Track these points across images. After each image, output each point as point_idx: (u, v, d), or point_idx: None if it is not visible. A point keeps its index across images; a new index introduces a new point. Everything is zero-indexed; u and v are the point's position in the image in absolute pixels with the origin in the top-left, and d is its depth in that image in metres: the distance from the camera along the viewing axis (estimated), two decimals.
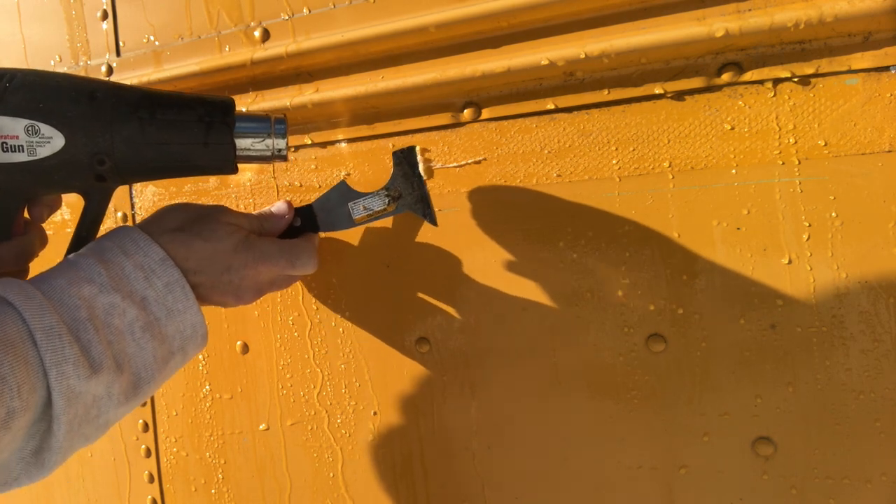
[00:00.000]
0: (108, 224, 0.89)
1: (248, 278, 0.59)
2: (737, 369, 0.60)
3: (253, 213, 0.65)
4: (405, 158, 0.63)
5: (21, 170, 0.54)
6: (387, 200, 0.64)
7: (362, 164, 0.73)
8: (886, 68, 0.53)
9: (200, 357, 0.85)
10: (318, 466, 0.79)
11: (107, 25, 0.86)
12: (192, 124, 0.57)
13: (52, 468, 0.49)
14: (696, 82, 0.59)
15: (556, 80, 0.63)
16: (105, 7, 0.86)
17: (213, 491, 0.86)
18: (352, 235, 0.74)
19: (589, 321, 0.64)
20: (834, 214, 0.56)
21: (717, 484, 0.61)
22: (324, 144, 0.75)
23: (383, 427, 0.75)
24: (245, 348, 0.82)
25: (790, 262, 0.57)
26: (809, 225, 0.57)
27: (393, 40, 0.67)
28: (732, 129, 0.58)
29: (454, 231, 0.69)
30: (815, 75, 0.55)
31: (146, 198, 0.87)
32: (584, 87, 0.62)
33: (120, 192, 0.88)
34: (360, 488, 0.77)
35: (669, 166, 0.61)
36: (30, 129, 0.53)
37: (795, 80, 0.56)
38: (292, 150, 0.76)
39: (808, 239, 0.57)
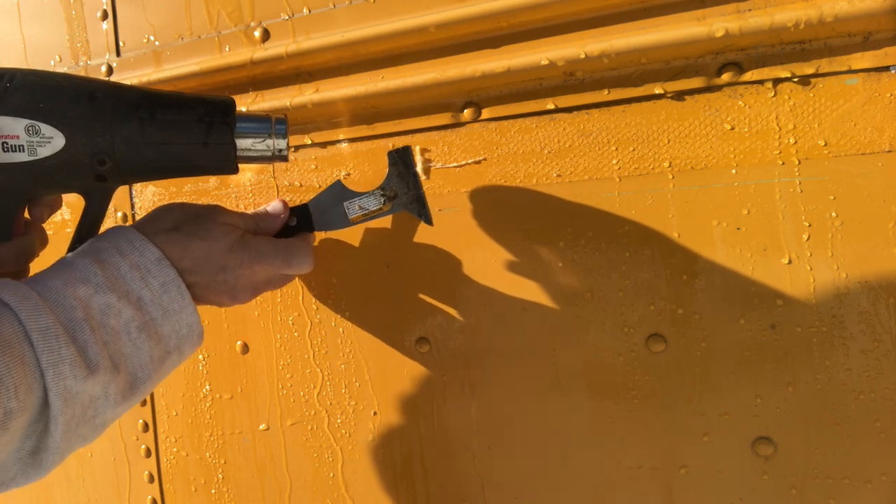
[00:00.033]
0: (108, 224, 0.88)
1: (244, 278, 0.59)
2: (737, 369, 0.60)
3: (248, 212, 0.65)
4: (400, 158, 0.63)
5: (21, 170, 0.54)
6: (382, 200, 0.64)
7: (362, 164, 0.73)
8: (886, 68, 0.53)
9: (200, 357, 0.85)
10: (318, 466, 0.79)
11: (107, 25, 0.86)
12: (192, 124, 0.57)
13: (50, 468, 0.49)
14: (696, 82, 0.59)
15: (556, 80, 0.63)
16: (105, 7, 0.86)
17: (213, 491, 0.86)
18: (352, 235, 0.74)
19: (589, 321, 0.64)
20: (834, 214, 0.56)
21: (717, 484, 0.61)
22: (324, 144, 0.75)
23: (383, 427, 0.75)
24: (245, 348, 0.82)
25: (790, 262, 0.57)
26: (809, 225, 0.57)
27: (393, 40, 0.67)
28: (732, 129, 0.58)
29: (454, 231, 0.69)
30: (815, 75, 0.55)
31: (146, 198, 0.87)
32: (584, 87, 0.62)
33: (120, 192, 0.88)
34: (360, 488, 0.77)
35: (669, 166, 0.61)
36: (30, 128, 0.53)
37: (795, 80, 0.56)
38: (292, 150, 0.76)
39: (808, 239, 0.57)
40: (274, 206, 0.66)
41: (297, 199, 0.77)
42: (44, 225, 0.62)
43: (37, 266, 0.60)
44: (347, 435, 0.77)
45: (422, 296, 0.71)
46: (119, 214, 0.89)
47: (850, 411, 0.57)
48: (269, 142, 0.60)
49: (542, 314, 0.66)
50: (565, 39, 0.62)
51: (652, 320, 0.62)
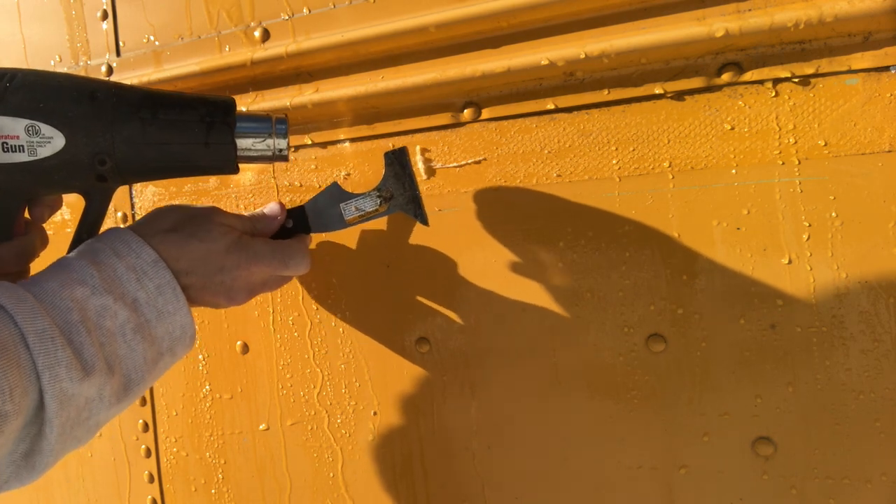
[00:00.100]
0: (108, 224, 0.89)
1: (241, 279, 0.59)
2: (737, 369, 0.60)
3: (245, 214, 0.65)
4: (396, 159, 0.63)
5: (21, 170, 0.54)
6: (378, 201, 0.64)
7: (362, 163, 0.73)
8: (886, 68, 0.53)
9: (200, 357, 0.85)
10: (318, 466, 0.79)
11: (107, 25, 0.86)
12: (193, 124, 0.57)
13: (43, 471, 0.48)
14: (696, 82, 0.59)
15: (556, 80, 0.63)
16: (105, 7, 0.86)
17: (213, 491, 0.86)
18: (351, 236, 0.74)
19: (589, 321, 0.64)
20: (834, 214, 0.56)
21: (717, 484, 0.61)
22: (324, 144, 0.75)
23: (383, 427, 0.75)
24: (245, 348, 0.82)
25: (790, 262, 0.58)
26: (809, 225, 0.57)
27: (393, 40, 0.67)
28: (732, 129, 0.58)
29: (454, 231, 0.69)
30: (815, 75, 0.55)
31: (146, 198, 0.87)
32: (584, 87, 0.62)
33: (120, 192, 0.88)
34: (360, 488, 0.77)
35: (669, 166, 0.61)
36: (30, 129, 0.53)
37: (795, 80, 0.56)
38: (292, 150, 0.76)
39: (808, 239, 0.57)
40: (271, 207, 0.66)
41: (297, 199, 0.77)
42: (44, 225, 0.62)
43: (37, 266, 0.60)
44: (347, 435, 0.77)
45: (421, 296, 0.71)
46: (119, 214, 0.89)
47: (850, 411, 0.57)
48: (270, 142, 0.60)
49: (542, 314, 0.66)
50: (565, 39, 0.62)
51: (652, 320, 0.62)
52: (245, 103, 0.76)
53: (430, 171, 0.69)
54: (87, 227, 0.59)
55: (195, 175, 0.62)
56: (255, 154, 0.60)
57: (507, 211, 0.67)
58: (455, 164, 0.69)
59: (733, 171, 0.58)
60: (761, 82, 0.57)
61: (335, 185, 0.65)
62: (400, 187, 0.64)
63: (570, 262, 0.65)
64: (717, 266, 0.60)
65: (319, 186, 0.75)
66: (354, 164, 0.73)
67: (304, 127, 0.75)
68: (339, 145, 0.74)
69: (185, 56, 0.80)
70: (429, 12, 0.65)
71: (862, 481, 0.57)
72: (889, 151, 0.54)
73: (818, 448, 0.58)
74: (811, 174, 0.56)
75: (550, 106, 0.64)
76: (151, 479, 0.90)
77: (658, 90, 0.60)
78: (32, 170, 0.54)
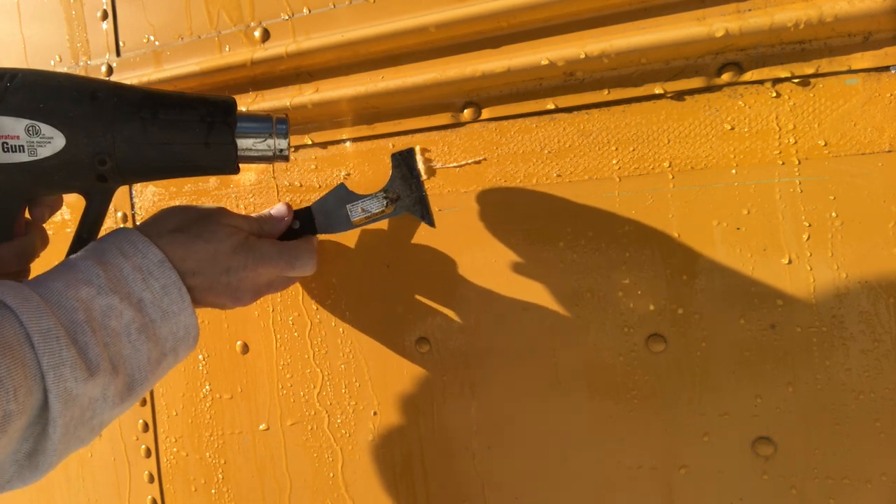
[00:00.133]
0: (108, 224, 0.89)
1: (247, 280, 0.59)
2: (737, 369, 0.60)
3: (252, 215, 0.65)
4: (404, 161, 0.63)
5: (22, 170, 0.54)
6: (385, 202, 0.64)
7: (363, 164, 0.73)
8: (886, 68, 0.53)
9: (200, 357, 0.85)
10: (318, 466, 0.79)
11: (107, 25, 0.86)
12: (193, 124, 0.57)
13: (46, 471, 0.48)
14: (696, 82, 0.59)
15: (556, 80, 0.63)
16: (105, 7, 0.86)
17: (213, 491, 0.86)
18: (352, 236, 0.74)
19: (589, 321, 0.64)
20: (834, 214, 0.56)
21: (717, 484, 0.61)
22: (324, 144, 0.75)
23: (383, 427, 0.75)
24: (245, 348, 0.82)
25: (790, 262, 0.58)
26: (809, 225, 0.57)
27: (393, 40, 0.67)
28: (732, 129, 0.58)
29: (454, 231, 0.69)
30: (815, 75, 0.55)
31: (146, 198, 0.87)
32: (584, 87, 0.62)
33: (120, 193, 0.88)
34: (360, 488, 0.77)
35: (669, 166, 0.61)
36: (30, 129, 0.53)
37: (795, 80, 0.56)
38: (293, 150, 0.76)
39: (808, 239, 0.57)
40: (277, 209, 0.66)
41: (297, 199, 0.77)
42: (44, 225, 0.62)
43: (38, 266, 0.60)
44: (347, 435, 0.77)
45: (422, 296, 0.71)
46: (119, 214, 0.89)
47: (850, 411, 0.57)
48: (270, 142, 0.60)
49: (542, 314, 0.66)
50: (565, 39, 0.62)
51: (652, 320, 0.62)
52: (245, 103, 0.76)
53: (430, 171, 0.69)
54: (88, 227, 0.59)
55: (196, 175, 0.62)
56: (255, 154, 0.60)
57: (507, 211, 0.67)
58: (455, 164, 0.69)
59: (733, 171, 0.58)
60: (761, 82, 0.57)
61: (342, 186, 0.65)
62: (407, 189, 0.64)
63: (570, 262, 0.65)
64: (717, 266, 0.60)
65: (319, 186, 0.75)
66: (354, 164, 0.73)
67: (304, 127, 0.75)
68: (339, 145, 0.74)
69: (185, 56, 0.80)
70: (429, 12, 0.65)
71: (862, 481, 0.57)
72: (889, 151, 0.54)
73: (818, 448, 0.58)
74: (811, 174, 0.56)
75: (550, 106, 0.64)
76: (151, 479, 0.90)
77: (658, 90, 0.60)
78: (33, 170, 0.54)
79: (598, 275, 0.64)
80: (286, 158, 0.61)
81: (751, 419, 0.60)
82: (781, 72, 0.56)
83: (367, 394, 0.75)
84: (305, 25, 0.73)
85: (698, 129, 0.59)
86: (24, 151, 0.53)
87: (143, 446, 0.90)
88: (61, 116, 0.53)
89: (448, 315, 0.70)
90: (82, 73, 0.88)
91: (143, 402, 0.90)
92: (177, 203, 0.84)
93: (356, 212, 0.64)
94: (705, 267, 0.60)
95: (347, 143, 0.73)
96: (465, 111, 0.67)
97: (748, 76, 0.57)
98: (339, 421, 0.77)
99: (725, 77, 0.58)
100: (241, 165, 0.61)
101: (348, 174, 0.74)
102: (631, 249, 0.62)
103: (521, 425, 0.68)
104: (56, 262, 0.54)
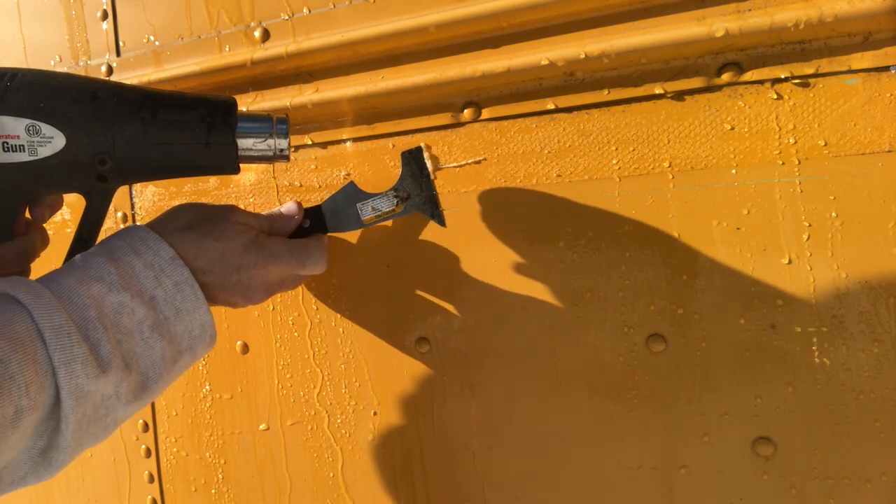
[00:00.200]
0: (108, 224, 0.89)
1: (258, 278, 0.59)
2: (737, 369, 0.60)
3: (262, 213, 0.65)
4: (413, 159, 0.63)
5: (22, 170, 0.54)
6: (395, 201, 0.64)
7: (363, 164, 0.73)
8: (886, 68, 0.53)
9: None
10: (318, 466, 0.79)
11: (107, 25, 0.86)
12: (194, 124, 0.57)
13: (60, 467, 0.49)
14: (696, 82, 0.59)
15: (556, 80, 0.63)
16: (105, 7, 0.86)
17: (213, 491, 0.86)
18: (352, 235, 0.74)
19: (589, 321, 0.64)
20: (834, 214, 0.56)
21: (717, 484, 0.61)
22: (324, 144, 0.75)
23: (383, 427, 0.75)
24: (245, 348, 0.82)
25: (790, 262, 0.58)
26: (809, 225, 0.57)
27: (393, 40, 0.67)
28: (732, 129, 0.58)
29: (454, 231, 0.69)
30: (815, 75, 0.55)
31: (146, 198, 0.87)
32: (584, 87, 0.62)
33: (120, 192, 0.88)
34: (360, 488, 0.77)
35: (669, 166, 0.61)
36: (31, 128, 0.53)
37: (795, 80, 0.56)
38: (293, 150, 0.76)
39: (808, 239, 0.57)
40: (288, 207, 0.66)
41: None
42: (44, 225, 0.62)
43: (38, 266, 0.60)
44: (347, 435, 0.77)
45: (422, 296, 0.71)
46: (119, 214, 0.89)
47: (850, 411, 0.57)
48: (271, 141, 0.60)
49: (542, 314, 0.66)
50: (565, 39, 0.62)
51: (652, 320, 0.62)
52: (245, 103, 0.76)
53: (437, 168, 0.69)
54: (88, 227, 0.59)
55: (196, 175, 0.62)
56: (256, 154, 0.60)
57: (507, 211, 0.67)
58: (455, 164, 0.69)
59: (733, 171, 0.59)
60: (761, 82, 0.57)
61: (352, 184, 0.65)
62: (417, 187, 0.64)
63: (570, 262, 0.65)
64: (717, 266, 0.60)
65: (320, 186, 0.75)
66: (355, 164, 0.73)
67: (304, 127, 0.75)
68: (339, 145, 0.74)
69: (185, 56, 0.80)
70: (429, 12, 0.65)
71: (862, 481, 0.57)
72: (889, 151, 0.54)
73: (818, 448, 0.58)
74: (811, 174, 0.56)
75: (550, 106, 0.64)
76: (151, 479, 0.90)
77: (658, 90, 0.60)
78: (33, 169, 0.54)
79: (598, 275, 0.64)
80: (287, 158, 0.61)
81: (751, 419, 0.60)
82: (781, 72, 0.56)
83: (367, 394, 0.75)
84: (305, 25, 0.73)
85: (698, 129, 0.59)
86: (24, 151, 0.53)
87: (143, 446, 0.90)
88: (61, 116, 0.53)
89: (448, 315, 0.70)
90: (82, 73, 0.88)
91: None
92: (177, 203, 0.84)
93: (366, 210, 0.64)
94: (705, 267, 0.60)
95: (347, 143, 0.73)
96: (465, 111, 0.67)
97: (748, 76, 0.57)
98: (339, 421, 0.77)
99: (725, 77, 0.58)
100: (241, 165, 0.61)
101: (348, 174, 0.74)
102: (631, 249, 0.62)
103: (521, 425, 0.68)
104: (56, 263, 0.54)
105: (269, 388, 0.81)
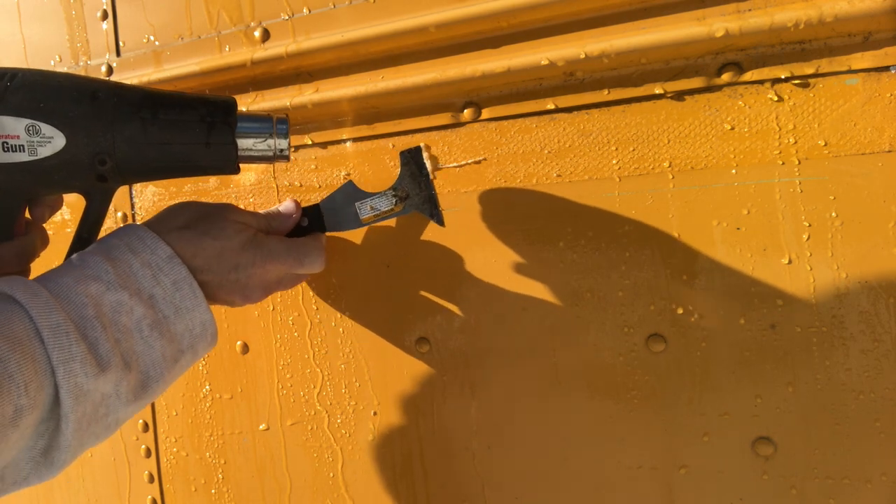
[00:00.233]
0: (107, 224, 0.89)
1: (256, 277, 0.59)
2: (737, 369, 0.60)
3: (260, 211, 0.65)
4: (412, 158, 0.63)
5: (22, 170, 0.54)
6: (394, 201, 0.64)
7: (363, 163, 0.73)
8: (886, 68, 0.53)
9: None
10: (318, 466, 0.79)
11: (107, 25, 0.86)
12: (194, 124, 0.57)
13: (62, 467, 0.49)
14: (696, 82, 0.59)
15: (556, 80, 0.63)
16: (105, 7, 0.86)
17: (213, 491, 0.86)
18: (352, 235, 0.74)
19: (589, 321, 0.64)
20: (834, 214, 0.56)
21: (717, 484, 0.61)
22: (324, 144, 0.75)
23: (383, 427, 0.75)
24: (245, 348, 0.82)
25: (790, 262, 0.58)
26: (809, 225, 0.57)
27: (393, 40, 0.67)
28: (732, 129, 0.58)
29: (454, 231, 0.69)
30: (815, 75, 0.55)
31: (146, 198, 0.87)
32: (584, 87, 0.62)
33: (120, 192, 0.88)
34: (360, 488, 0.77)
35: (669, 166, 0.61)
36: (31, 128, 0.53)
37: (795, 80, 0.56)
38: (293, 149, 0.76)
39: (808, 239, 0.57)
40: (286, 205, 0.66)
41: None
42: (44, 225, 0.62)
43: (37, 266, 0.60)
44: (347, 435, 0.77)
45: (422, 296, 0.71)
46: (119, 214, 0.89)
47: (850, 411, 0.57)
48: (271, 142, 0.60)
49: (542, 314, 0.66)
50: (565, 39, 0.62)
51: (652, 320, 0.62)
52: (245, 103, 0.76)
53: (436, 168, 0.69)
54: (88, 227, 0.59)
55: (196, 175, 0.62)
56: (256, 154, 0.60)
57: (507, 211, 0.67)
58: (455, 165, 0.69)
59: (733, 171, 0.59)
60: (761, 82, 0.57)
61: (350, 183, 0.65)
62: (416, 187, 0.64)
63: (570, 262, 0.65)
64: (717, 266, 0.60)
65: (319, 186, 0.75)
66: (355, 163, 0.73)
67: (304, 127, 0.75)
68: (339, 145, 0.74)
69: (185, 56, 0.80)
70: (429, 12, 0.65)
71: (862, 481, 0.57)
72: (889, 151, 0.54)
73: (818, 448, 0.58)
74: (811, 174, 0.56)
75: (550, 106, 0.64)
76: (151, 479, 0.90)
77: (658, 90, 0.60)
78: (33, 170, 0.54)
79: (598, 275, 0.64)
80: (287, 158, 0.61)
81: (751, 419, 0.60)
82: (781, 72, 0.56)
83: (367, 394, 0.75)
84: (305, 25, 0.73)
85: (698, 129, 0.59)
86: (24, 151, 0.53)
87: (143, 446, 0.90)
88: (61, 116, 0.53)
89: (448, 315, 0.70)
90: (82, 73, 0.88)
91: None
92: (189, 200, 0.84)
93: (365, 210, 0.64)
94: (705, 267, 0.60)
95: (347, 143, 0.73)
96: (465, 111, 0.67)
97: (748, 76, 0.57)
98: (339, 421, 0.77)
99: (725, 77, 0.58)
100: (241, 165, 0.61)
101: (348, 174, 0.74)
102: (631, 249, 0.62)
103: (521, 425, 0.68)
104: (56, 263, 0.54)
105: (269, 388, 0.81)
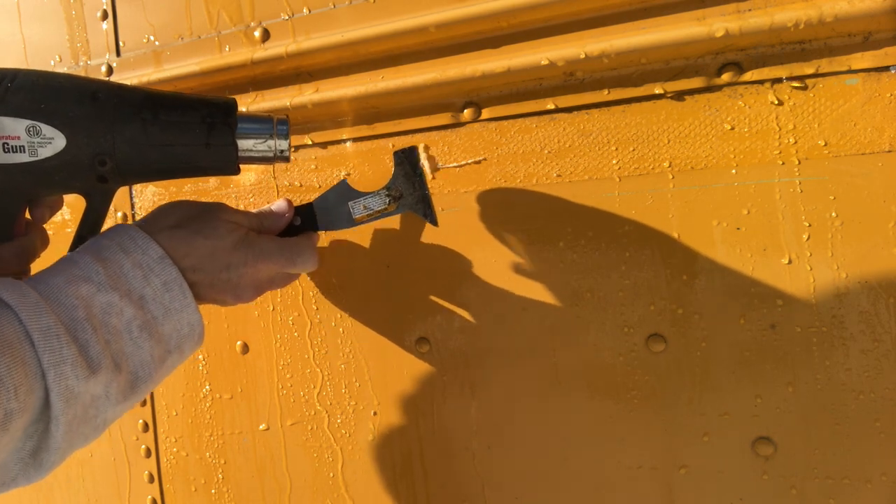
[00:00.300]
0: (108, 224, 0.88)
1: (248, 276, 0.59)
2: (737, 369, 0.60)
3: (252, 211, 0.65)
4: (406, 158, 0.63)
5: (22, 170, 0.54)
6: (387, 200, 0.64)
7: (363, 163, 0.73)
8: (886, 68, 0.53)
9: (200, 357, 0.85)
10: (318, 466, 0.79)
11: (107, 25, 0.86)
12: (194, 125, 0.57)
13: (50, 469, 0.48)
14: (696, 82, 0.59)
15: (556, 80, 0.63)
16: (105, 7, 0.86)
17: (213, 491, 0.86)
18: (352, 235, 0.74)
19: (589, 321, 0.64)
20: (834, 214, 0.56)
21: (717, 484, 0.62)
22: (324, 144, 0.75)
23: (383, 427, 0.75)
24: (245, 348, 0.82)
25: (790, 262, 0.58)
26: (809, 225, 0.57)
27: (393, 40, 0.67)
28: (732, 129, 0.58)
29: (454, 231, 0.69)
30: (815, 75, 0.55)
31: (146, 198, 0.87)
32: (584, 87, 0.62)
33: (120, 192, 0.87)
34: (360, 488, 0.77)
35: (669, 166, 0.61)
36: (31, 129, 0.53)
37: (795, 80, 0.56)
38: (293, 150, 0.76)
39: (808, 239, 0.57)
40: (278, 204, 0.66)
41: (297, 199, 0.76)
42: (44, 225, 0.62)
43: (38, 266, 0.60)
44: (347, 435, 0.77)
45: (422, 296, 0.71)
46: (119, 214, 0.89)
47: (850, 411, 0.57)
48: (271, 142, 0.59)
49: (542, 314, 0.66)
50: (565, 39, 0.62)
51: (652, 320, 0.62)
52: (245, 103, 0.76)
53: (435, 169, 0.69)
54: (88, 227, 0.59)
55: (196, 176, 0.62)
56: (256, 155, 0.60)
57: (507, 211, 0.67)
58: (455, 165, 0.69)
59: (733, 171, 0.59)
60: (761, 82, 0.57)
61: (344, 182, 0.65)
62: (409, 187, 0.63)
63: (570, 262, 0.65)
64: (717, 266, 0.60)
65: (319, 186, 0.75)
66: (355, 163, 0.73)
67: (304, 127, 0.75)
68: (339, 145, 0.74)
69: (185, 56, 0.80)
70: (429, 12, 0.65)
71: (862, 481, 0.57)
72: (889, 151, 0.54)
73: (818, 448, 0.58)
74: (811, 174, 0.56)
75: (550, 106, 0.64)
76: (151, 479, 0.90)
77: (658, 90, 0.60)
78: (33, 170, 0.54)
79: (598, 275, 0.64)
80: (287, 159, 0.61)
81: (751, 419, 0.60)
82: (781, 72, 0.56)
83: (367, 394, 0.75)
84: (305, 25, 0.73)
85: (698, 129, 0.59)
86: (24, 152, 0.53)
87: (143, 446, 0.91)
88: (62, 117, 0.53)
89: (448, 315, 0.70)
90: (82, 74, 0.88)
91: (144, 403, 0.90)
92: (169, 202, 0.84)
93: (358, 209, 0.64)
94: (705, 267, 0.60)
95: (347, 143, 0.73)
96: (465, 111, 0.67)
97: (748, 76, 0.57)
98: (339, 421, 0.77)
99: (725, 77, 0.58)
100: (241, 166, 0.61)
101: (348, 174, 0.74)
102: (631, 249, 0.62)
103: (521, 425, 0.68)
104: None
105: (269, 388, 0.81)
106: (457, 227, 0.69)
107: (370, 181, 0.72)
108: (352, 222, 0.65)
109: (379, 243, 0.73)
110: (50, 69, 0.79)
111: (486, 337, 0.69)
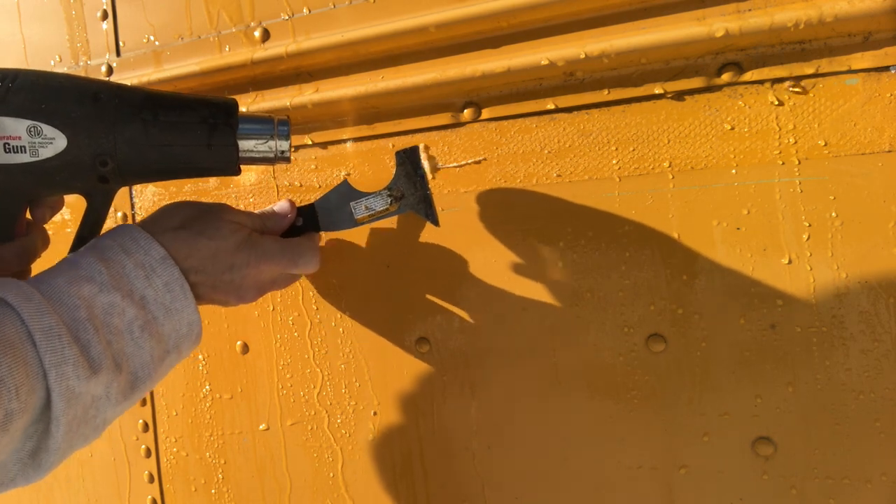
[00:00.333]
0: (108, 225, 0.88)
1: (250, 277, 0.59)
2: (737, 369, 0.60)
3: (255, 211, 0.65)
4: (408, 158, 0.63)
5: (23, 171, 0.54)
6: (389, 200, 0.64)
7: (363, 164, 0.73)
8: (886, 68, 0.53)
9: (200, 357, 0.85)
10: (318, 466, 0.79)
11: (107, 25, 0.86)
12: (195, 126, 0.57)
13: (49, 469, 0.48)
14: (696, 82, 0.59)
15: (556, 80, 0.63)
16: (105, 7, 0.86)
17: (213, 491, 0.86)
18: (352, 235, 0.74)
19: (589, 321, 0.64)
20: (834, 214, 0.56)
21: (717, 484, 0.62)
22: (324, 144, 0.75)
23: (383, 427, 0.75)
24: (245, 348, 0.82)
25: (790, 262, 0.58)
26: (809, 225, 0.57)
27: (393, 40, 0.67)
28: (732, 129, 0.58)
29: (454, 231, 0.69)
30: (815, 75, 0.55)
31: (146, 198, 0.87)
32: (584, 87, 0.62)
33: (120, 192, 0.87)
34: (360, 488, 0.77)
35: (669, 166, 0.61)
36: (32, 129, 0.53)
37: (795, 80, 0.56)
38: (293, 150, 0.76)
39: (808, 239, 0.57)
40: (281, 205, 0.66)
41: (297, 199, 0.77)
42: (45, 225, 0.62)
43: (38, 266, 0.60)
44: (347, 435, 0.77)
45: (422, 296, 0.71)
46: (119, 214, 0.89)
47: (850, 411, 0.57)
48: (272, 143, 0.60)
49: (542, 314, 0.66)
50: (565, 39, 0.62)
51: (652, 320, 0.62)
52: (245, 103, 0.76)
53: (435, 169, 0.69)
54: (89, 227, 0.59)
55: (197, 176, 0.62)
56: (257, 156, 0.60)
57: (507, 211, 0.67)
58: (455, 164, 0.69)
59: (733, 171, 0.59)
60: (761, 82, 0.57)
61: (346, 183, 0.65)
62: (411, 187, 0.64)
63: (570, 262, 0.65)
64: (717, 266, 0.60)
65: (320, 186, 0.75)
66: (355, 164, 0.73)
67: (305, 127, 0.75)
68: (339, 145, 0.74)
69: (185, 56, 0.80)
70: (429, 12, 0.65)
71: (862, 481, 0.57)
72: (889, 151, 0.54)
73: (818, 448, 0.58)
74: (811, 174, 0.56)
75: (550, 106, 0.64)
76: (151, 479, 0.90)
77: (658, 90, 0.60)
78: (34, 171, 0.54)
79: (598, 275, 0.64)
80: (287, 160, 0.61)
81: (751, 419, 0.60)
82: (781, 72, 0.56)
83: (367, 394, 0.75)
84: (305, 25, 0.73)
85: (698, 129, 0.59)
86: (25, 152, 0.53)
87: (143, 446, 0.91)
88: (63, 117, 0.53)
89: (448, 315, 0.70)
90: (82, 74, 0.88)
91: (144, 403, 0.90)
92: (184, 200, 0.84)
93: (360, 209, 0.64)
94: (705, 267, 0.60)
95: (348, 143, 0.73)
96: (465, 111, 0.67)
97: (748, 76, 0.57)
98: (339, 421, 0.77)
99: (725, 77, 0.58)
100: (242, 166, 0.61)
101: (348, 174, 0.74)
102: (631, 249, 0.62)
103: (521, 425, 0.68)
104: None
105: (269, 388, 0.81)
106: (457, 227, 0.69)
107: (370, 181, 0.72)
108: (354, 223, 0.65)
109: (379, 243, 0.73)
110: (50, 69, 0.79)
111: (486, 337, 0.69)
